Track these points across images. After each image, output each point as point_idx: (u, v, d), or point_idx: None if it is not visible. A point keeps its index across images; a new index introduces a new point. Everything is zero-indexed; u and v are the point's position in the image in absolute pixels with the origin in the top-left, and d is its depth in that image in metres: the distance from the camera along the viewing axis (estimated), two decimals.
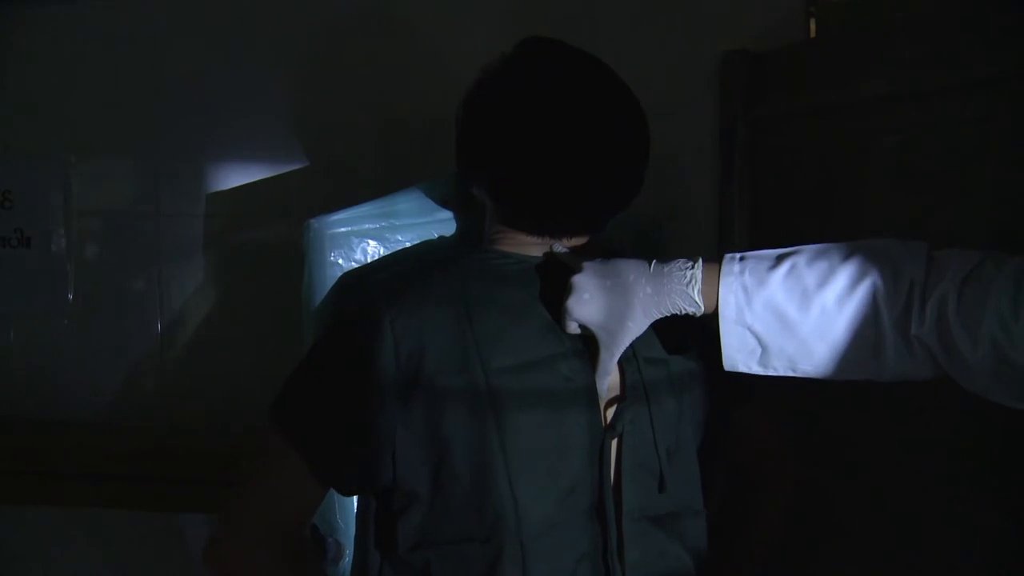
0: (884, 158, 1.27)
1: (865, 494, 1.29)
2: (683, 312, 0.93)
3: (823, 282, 0.87)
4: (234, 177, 1.60)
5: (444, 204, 1.16)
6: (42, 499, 1.53)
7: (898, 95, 1.24)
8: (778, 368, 0.91)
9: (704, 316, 0.93)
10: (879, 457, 1.27)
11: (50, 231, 1.58)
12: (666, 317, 0.94)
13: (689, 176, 1.57)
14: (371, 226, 1.13)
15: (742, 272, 0.90)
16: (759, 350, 0.90)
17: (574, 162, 0.97)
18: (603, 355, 0.94)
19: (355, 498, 1.08)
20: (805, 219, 1.39)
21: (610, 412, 0.98)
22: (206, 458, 1.46)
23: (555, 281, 0.97)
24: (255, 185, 1.59)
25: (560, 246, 1.02)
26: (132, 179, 1.61)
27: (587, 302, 0.93)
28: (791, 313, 0.88)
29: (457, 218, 1.17)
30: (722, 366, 0.92)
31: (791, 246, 0.92)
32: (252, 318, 1.60)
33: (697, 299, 0.91)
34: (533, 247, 1.02)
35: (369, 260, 1.13)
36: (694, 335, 1.00)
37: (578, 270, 0.95)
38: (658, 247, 1.35)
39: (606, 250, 1.03)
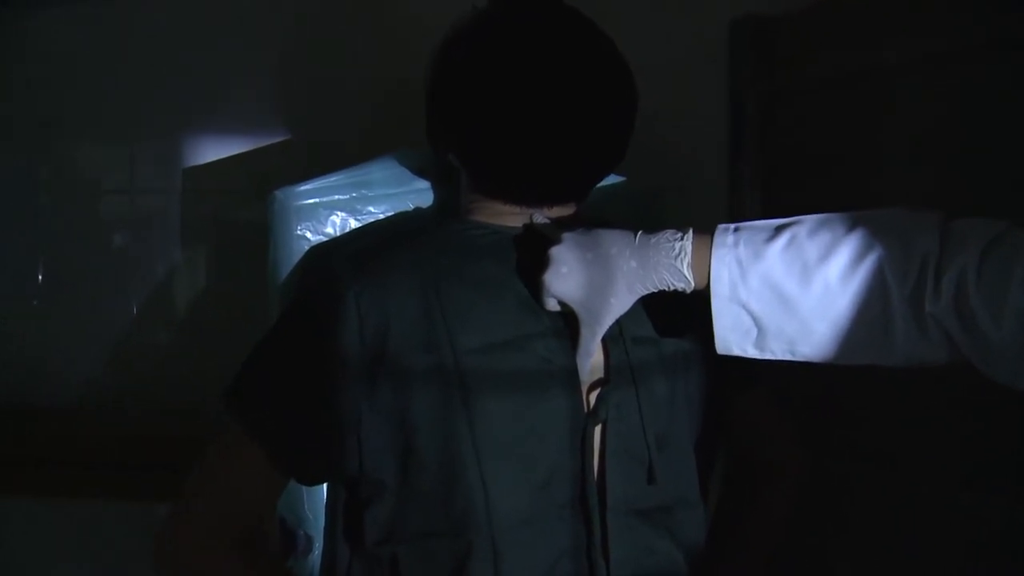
0: (901, 127, 1.20)
1: (868, 483, 1.24)
2: (671, 288, 0.85)
3: (826, 255, 0.79)
4: (211, 152, 1.54)
5: (420, 173, 1.09)
6: (16, 488, 1.48)
7: (915, 60, 1.17)
8: (776, 351, 0.83)
9: (696, 293, 0.85)
10: (882, 445, 1.22)
11: (18, 208, 1.52)
12: (657, 293, 0.86)
13: (697, 146, 1.48)
14: (341, 197, 1.06)
15: (736, 244, 0.82)
16: (755, 331, 0.82)
17: (548, 123, 0.89)
18: (584, 334, 0.87)
19: (325, 488, 1.01)
20: (819, 190, 1.32)
21: (593, 396, 0.90)
22: (187, 445, 1.40)
23: (534, 254, 0.90)
24: (233, 159, 1.54)
25: (541, 216, 0.94)
26: (105, 153, 1.55)
27: (565, 276, 0.86)
28: (790, 289, 0.80)
29: (435, 188, 1.10)
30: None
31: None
32: (232, 297, 1.53)
33: (686, 273, 0.83)
34: (512, 217, 0.94)
35: (339, 233, 1.05)
36: (692, 313, 0.91)
37: (557, 241, 0.88)
38: (659, 221, 1.27)
39: (596, 222, 0.94)
